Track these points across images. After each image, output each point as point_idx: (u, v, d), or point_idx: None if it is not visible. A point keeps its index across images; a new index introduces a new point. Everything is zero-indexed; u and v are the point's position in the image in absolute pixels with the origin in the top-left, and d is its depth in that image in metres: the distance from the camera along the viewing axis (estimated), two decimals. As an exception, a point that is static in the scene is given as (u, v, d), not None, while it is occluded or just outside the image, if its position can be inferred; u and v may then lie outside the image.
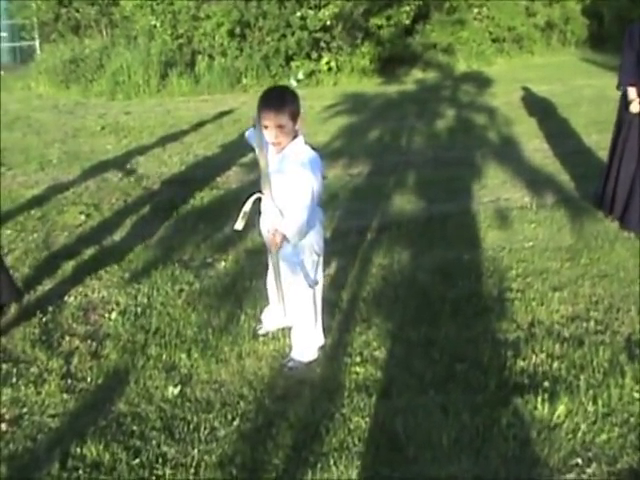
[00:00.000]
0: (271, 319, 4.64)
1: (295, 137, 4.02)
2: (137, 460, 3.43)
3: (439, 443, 3.52)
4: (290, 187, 3.96)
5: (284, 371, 4.21)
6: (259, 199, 4.10)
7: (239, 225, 4.17)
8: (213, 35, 15.94)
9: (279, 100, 3.95)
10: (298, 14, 15.64)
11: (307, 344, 4.34)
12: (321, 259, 4.28)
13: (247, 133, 4.24)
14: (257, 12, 15.61)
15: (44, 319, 4.88)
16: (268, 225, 4.11)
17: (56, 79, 16.06)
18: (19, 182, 8.48)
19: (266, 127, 3.92)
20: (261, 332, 4.63)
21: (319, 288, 4.34)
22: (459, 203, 7.38)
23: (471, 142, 10.23)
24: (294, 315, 4.36)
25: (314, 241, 4.17)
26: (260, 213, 4.21)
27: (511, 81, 15.71)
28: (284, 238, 4.02)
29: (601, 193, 6.76)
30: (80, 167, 9.09)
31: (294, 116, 3.94)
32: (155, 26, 16.31)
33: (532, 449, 3.49)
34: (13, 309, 5.00)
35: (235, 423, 3.70)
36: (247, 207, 4.14)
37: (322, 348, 4.40)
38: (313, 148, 4.08)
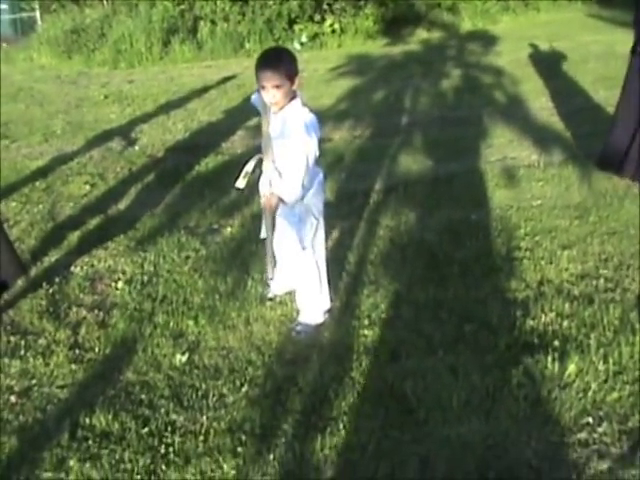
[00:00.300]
0: (279, 283, 4.61)
1: (293, 98, 3.97)
2: (146, 429, 3.42)
3: (449, 404, 3.49)
4: (287, 150, 3.93)
5: (292, 335, 4.20)
6: (261, 160, 4.07)
7: (240, 184, 4.14)
8: (215, 0, 15.79)
9: (276, 60, 3.91)
10: (301, -24, 15.50)
11: (313, 308, 4.32)
12: (321, 222, 4.24)
13: (253, 97, 4.18)
14: (259, -25, 15.47)
15: (51, 290, 4.87)
16: (266, 187, 4.07)
17: (58, 50, 15.97)
18: (23, 154, 8.44)
19: (263, 87, 3.88)
20: (269, 296, 4.61)
21: (321, 251, 4.31)
22: (465, 162, 7.31)
23: (477, 101, 10.13)
24: (298, 279, 4.34)
25: (311, 203, 4.13)
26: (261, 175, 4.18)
27: (517, 39, 15.54)
28: (279, 200, 4.00)
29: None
30: (84, 137, 9.04)
31: (291, 76, 3.89)
32: (156, -7, 16.18)
33: (543, 409, 3.46)
34: (20, 281, 4.99)
35: (244, 389, 3.69)
36: (249, 167, 4.11)
37: (329, 311, 4.38)
38: (311, 110, 4.03)
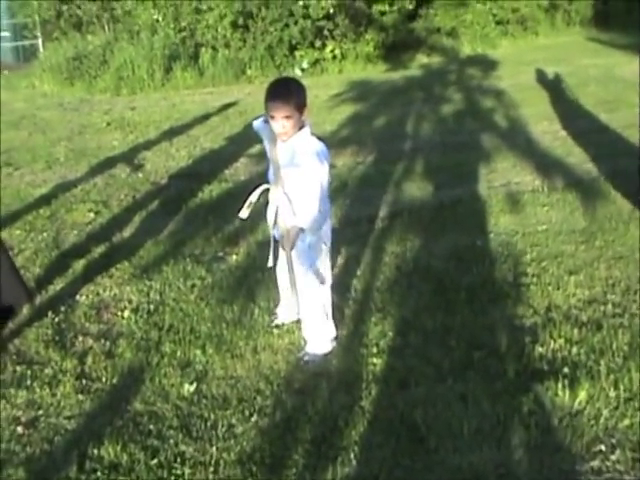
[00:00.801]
0: (285, 311, 4.61)
1: (302, 128, 4.02)
2: (155, 460, 3.39)
3: (460, 432, 3.47)
4: (300, 179, 3.98)
5: (300, 365, 4.17)
6: (266, 190, 4.10)
7: (244, 214, 4.20)
8: (216, 27, 15.90)
9: (286, 91, 3.99)
10: (301, 3, 15.59)
11: (320, 337, 4.30)
12: (328, 248, 4.29)
13: (255, 124, 4.17)
14: (259, 2, 15.56)
15: (56, 319, 4.85)
16: (277, 219, 4.11)
17: (60, 77, 16.05)
18: (27, 181, 8.45)
19: (273, 118, 3.94)
20: (276, 323, 4.59)
21: (328, 278, 4.32)
22: (469, 188, 7.32)
23: (479, 126, 10.16)
24: (304, 308, 4.32)
25: (323, 230, 4.20)
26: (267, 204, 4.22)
27: (517, 63, 15.63)
28: (298, 235, 4.04)
29: None
30: (87, 164, 9.06)
31: (300, 107, 3.97)
32: (157, 20, 16.31)
33: (554, 436, 3.44)
34: (25, 310, 4.97)
35: (253, 419, 3.66)
36: (254, 197, 4.16)
37: (336, 339, 4.36)
38: (319, 138, 4.08)
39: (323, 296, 4.29)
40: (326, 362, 4.17)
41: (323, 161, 3.99)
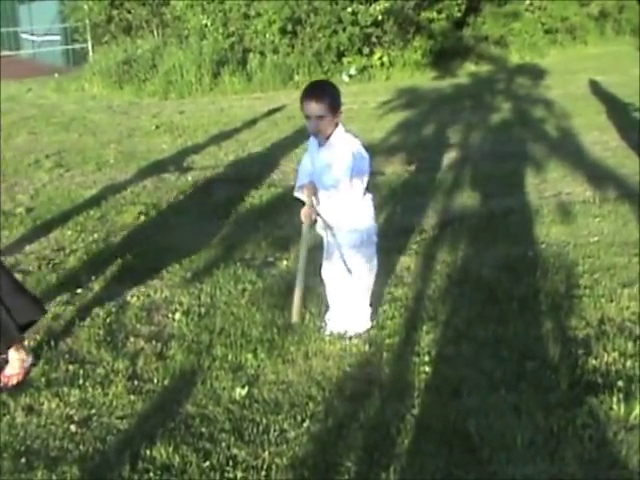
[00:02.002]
0: (334, 319, 4.61)
1: (336, 127, 4.31)
2: (207, 462, 3.40)
3: (513, 444, 3.43)
4: (339, 171, 4.26)
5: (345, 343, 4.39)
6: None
7: (295, 318, 4.65)
8: (264, 33, 15.98)
9: (320, 92, 4.29)
10: (349, 10, 15.63)
11: (364, 315, 4.56)
12: (374, 247, 4.55)
13: (297, 192, 4.57)
14: (308, 8, 15.63)
15: (108, 320, 4.89)
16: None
17: (109, 80, 16.24)
18: (77, 182, 8.56)
19: (307, 117, 4.24)
20: (326, 333, 4.58)
21: (373, 271, 4.59)
22: (520, 198, 7.27)
23: (528, 135, 10.09)
24: (350, 292, 4.54)
25: (371, 226, 4.51)
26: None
27: (565, 72, 15.51)
28: (317, 213, 4.38)
29: None
30: (137, 167, 9.15)
31: (334, 109, 4.23)
32: (206, 25, 16.41)
33: (609, 450, 3.39)
34: (76, 310, 5.03)
35: (305, 424, 3.66)
36: (297, 298, 4.61)
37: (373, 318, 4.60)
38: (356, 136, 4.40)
39: (370, 281, 4.56)
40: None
41: (362, 157, 4.30)
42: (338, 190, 4.28)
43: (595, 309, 4.77)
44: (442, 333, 4.50)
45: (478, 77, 16.09)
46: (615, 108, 11.54)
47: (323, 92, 4.28)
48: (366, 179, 4.36)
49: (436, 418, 3.65)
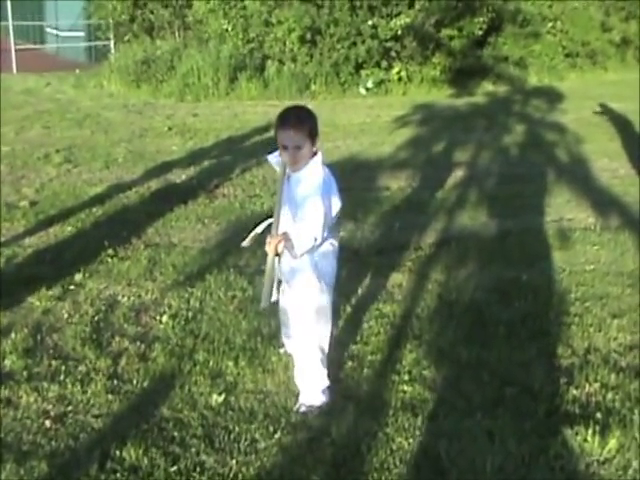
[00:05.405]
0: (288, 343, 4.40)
1: (314, 155, 3.84)
2: (175, 467, 3.41)
3: (482, 469, 3.42)
4: (301, 212, 3.77)
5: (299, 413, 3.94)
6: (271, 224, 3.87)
7: (246, 243, 4.07)
8: (284, 40, 15.99)
9: (298, 120, 3.79)
10: (369, 23, 15.61)
11: (312, 388, 3.99)
12: (331, 295, 4.02)
13: (271, 158, 3.98)
14: (328, 19, 15.62)
15: (96, 318, 4.92)
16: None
17: (128, 78, 16.30)
18: (83, 179, 8.59)
19: (285, 147, 3.76)
20: (281, 352, 4.45)
21: (328, 326, 4.04)
22: (521, 221, 7.24)
23: (538, 158, 10.07)
24: (297, 353, 4.10)
25: (324, 271, 3.94)
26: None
27: (583, 97, 15.47)
28: (286, 246, 3.73)
29: None
30: (144, 167, 9.18)
31: (313, 136, 3.79)
32: (227, 30, 16.45)
33: (579, 482, 3.38)
34: (67, 306, 5.05)
35: (276, 436, 3.66)
36: (259, 229, 4.01)
37: (329, 389, 4.04)
38: (329, 165, 3.93)
39: (320, 339, 4.00)
40: (322, 411, 3.92)
41: (327, 194, 3.78)
42: (300, 226, 3.75)
43: (582, 338, 4.76)
44: (425, 353, 4.49)
45: (495, 97, 16.06)
46: (629, 136, 11.49)
47: (302, 120, 3.79)
48: (331, 219, 3.83)
49: (408, 439, 3.64)
